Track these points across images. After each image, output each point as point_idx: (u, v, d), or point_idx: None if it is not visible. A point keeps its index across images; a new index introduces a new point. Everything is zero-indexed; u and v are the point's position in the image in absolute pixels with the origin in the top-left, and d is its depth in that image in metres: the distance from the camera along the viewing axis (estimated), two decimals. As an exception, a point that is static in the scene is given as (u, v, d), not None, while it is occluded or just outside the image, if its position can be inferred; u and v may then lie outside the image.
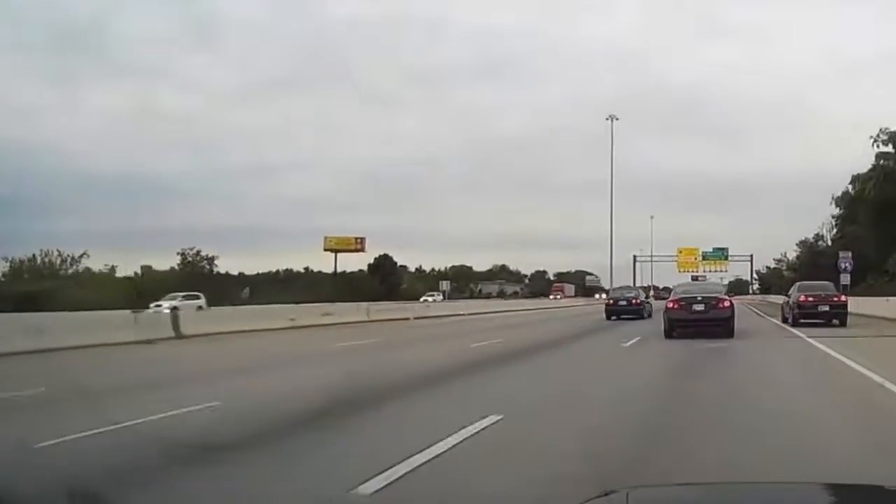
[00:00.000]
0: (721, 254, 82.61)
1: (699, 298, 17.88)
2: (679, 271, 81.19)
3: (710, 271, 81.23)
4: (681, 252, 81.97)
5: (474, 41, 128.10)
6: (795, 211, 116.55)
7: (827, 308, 21.82)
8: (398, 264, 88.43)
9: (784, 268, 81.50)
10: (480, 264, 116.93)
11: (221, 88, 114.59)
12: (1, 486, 1.86)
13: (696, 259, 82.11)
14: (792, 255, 78.58)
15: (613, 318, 28.83)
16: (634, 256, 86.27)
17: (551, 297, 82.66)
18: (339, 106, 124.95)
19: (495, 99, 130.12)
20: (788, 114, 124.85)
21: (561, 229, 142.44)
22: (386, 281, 73.75)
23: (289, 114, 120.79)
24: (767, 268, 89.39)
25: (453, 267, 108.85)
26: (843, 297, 22.78)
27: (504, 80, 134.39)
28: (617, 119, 67.08)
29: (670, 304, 18.16)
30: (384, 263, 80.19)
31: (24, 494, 1.94)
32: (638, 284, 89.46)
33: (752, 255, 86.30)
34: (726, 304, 17.91)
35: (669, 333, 17.38)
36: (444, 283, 71.00)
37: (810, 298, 22.25)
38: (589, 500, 2.11)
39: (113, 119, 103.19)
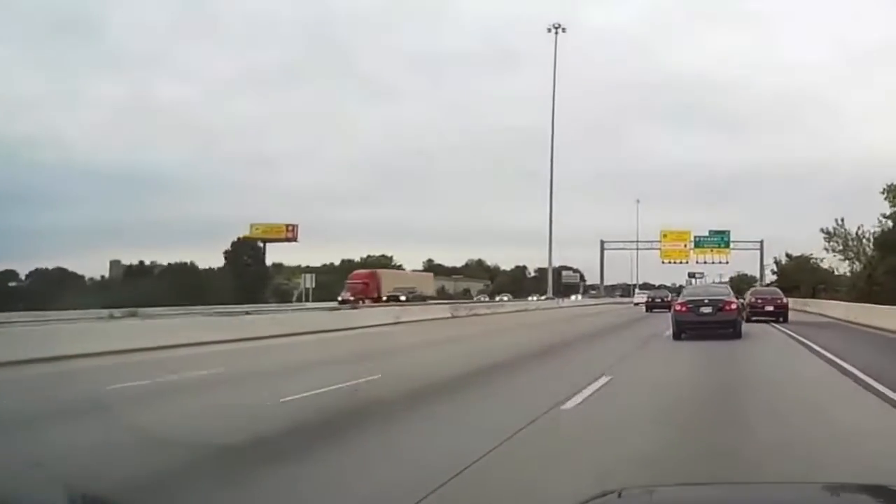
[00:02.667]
0: (720, 239, 63.89)
1: (706, 301, 18.22)
2: (663, 262, 63.36)
3: (706, 262, 63.16)
4: (665, 237, 63.56)
5: (478, 30, 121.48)
6: (807, 206, 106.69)
7: (772, 308, 26.76)
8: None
9: (838, 247, 49.17)
10: (457, 259, 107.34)
11: (220, 78, 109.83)
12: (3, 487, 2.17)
13: (685, 247, 63.67)
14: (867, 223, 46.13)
15: (650, 311, 37.87)
16: (602, 243, 68.01)
17: (339, 298, 48.40)
18: (339, 96, 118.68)
19: (498, 89, 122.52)
20: (797, 103, 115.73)
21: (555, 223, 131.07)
22: (242, 275, 56.20)
23: (287, 103, 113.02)
24: (790, 256, 60.11)
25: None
26: (785, 300, 27.67)
27: (506, 69, 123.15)
28: (563, 31, 49.85)
29: (678, 307, 18.42)
30: (243, 252, 62.12)
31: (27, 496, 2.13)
32: (607, 281, 73.48)
33: (762, 242, 66.99)
34: (733, 306, 18.25)
35: (678, 335, 17.59)
36: (308, 276, 53.93)
37: (759, 300, 27.46)
38: (589, 500, 2.13)
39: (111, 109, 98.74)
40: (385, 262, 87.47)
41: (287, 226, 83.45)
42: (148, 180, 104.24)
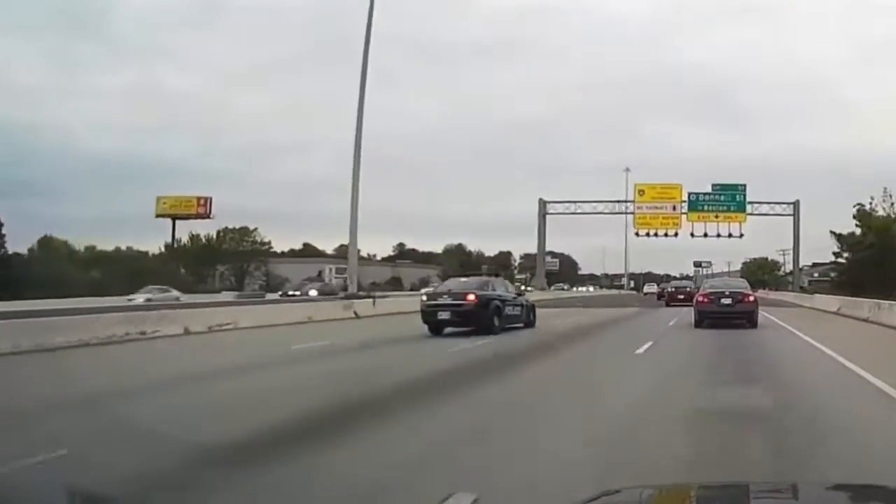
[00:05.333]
0: (730, 199, 43.46)
1: (727, 293, 18.82)
2: (637, 233, 43.66)
3: (706, 235, 43.23)
4: (642, 194, 43.54)
5: (487, 19, 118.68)
6: (819, 201, 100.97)
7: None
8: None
9: None
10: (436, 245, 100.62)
11: (226, 68, 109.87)
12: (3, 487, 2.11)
13: (675, 210, 43.65)
14: None
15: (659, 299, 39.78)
16: (543, 204, 48.35)
17: None
18: (345, 85, 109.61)
19: (507, 80, 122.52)
20: (809, 97, 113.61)
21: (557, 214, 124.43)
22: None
23: (293, 93, 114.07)
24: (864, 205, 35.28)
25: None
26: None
27: (516, 60, 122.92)
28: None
29: (700, 299, 19.10)
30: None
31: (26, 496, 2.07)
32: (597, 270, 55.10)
33: (796, 204, 46.13)
34: (750, 298, 18.80)
35: (700, 324, 18.10)
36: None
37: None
38: (589, 500, 2.16)
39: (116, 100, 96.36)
40: (240, 237, 70.32)
41: (199, 199, 68.66)
42: (146, 169, 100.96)
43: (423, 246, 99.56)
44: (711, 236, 44.45)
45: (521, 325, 17.46)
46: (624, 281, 78.90)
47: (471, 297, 15.92)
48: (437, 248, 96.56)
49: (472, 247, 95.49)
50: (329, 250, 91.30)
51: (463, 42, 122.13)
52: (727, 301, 18.11)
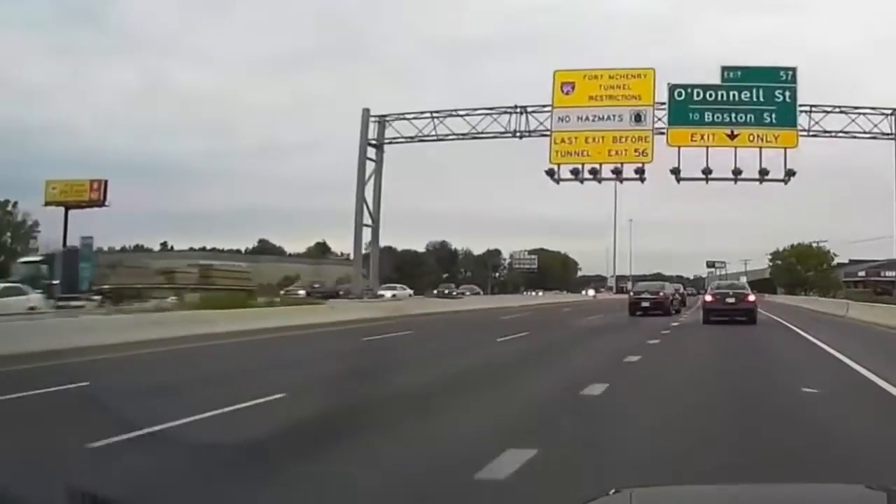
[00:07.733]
0: (768, 100, 21.36)
1: (731, 293, 22.02)
2: (554, 171, 21.73)
3: (709, 176, 23.40)
4: (567, 92, 21.06)
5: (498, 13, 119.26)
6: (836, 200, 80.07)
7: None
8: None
9: None
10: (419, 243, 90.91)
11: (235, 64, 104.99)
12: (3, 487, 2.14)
13: (641, 120, 22.99)
14: None
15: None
16: (369, 118, 28.15)
17: None
18: (355, 81, 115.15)
19: (518, 75, 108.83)
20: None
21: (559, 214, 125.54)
22: None
23: (302, 90, 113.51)
24: None
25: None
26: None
27: (528, 54, 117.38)
28: None
29: (708, 298, 22.60)
30: None
31: (27, 495, 2.19)
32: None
33: (893, 113, 24.78)
34: (751, 298, 22.07)
35: (707, 319, 21.15)
36: None
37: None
38: (589, 501, 2.16)
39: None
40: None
41: (92, 182, 56.29)
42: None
43: (410, 244, 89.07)
44: (721, 178, 22.87)
45: (677, 309, 28.37)
46: (612, 283, 61.07)
47: (661, 293, 26.86)
48: (420, 247, 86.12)
49: (458, 244, 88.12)
50: (293, 250, 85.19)
51: (463, 37, 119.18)
52: (731, 300, 21.10)
